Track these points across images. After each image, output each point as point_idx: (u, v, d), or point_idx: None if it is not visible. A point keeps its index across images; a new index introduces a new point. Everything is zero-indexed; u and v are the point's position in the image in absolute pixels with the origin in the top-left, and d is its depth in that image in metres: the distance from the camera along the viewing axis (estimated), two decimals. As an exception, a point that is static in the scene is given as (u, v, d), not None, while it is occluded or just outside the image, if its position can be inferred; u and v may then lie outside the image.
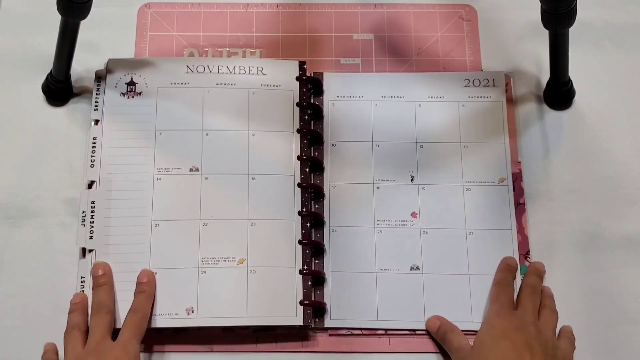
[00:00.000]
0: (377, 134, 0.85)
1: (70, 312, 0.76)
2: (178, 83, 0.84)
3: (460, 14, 0.92)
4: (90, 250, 0.78)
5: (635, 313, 0.80)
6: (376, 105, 0.86)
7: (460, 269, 0.80)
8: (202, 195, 0.80)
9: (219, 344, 0.78)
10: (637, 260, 0.82)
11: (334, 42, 0.90)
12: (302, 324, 0.76)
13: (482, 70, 0.89)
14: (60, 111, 0.86)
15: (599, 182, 0.85)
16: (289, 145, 0.82)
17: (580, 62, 0.88)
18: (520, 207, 0.83)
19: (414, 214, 0.82)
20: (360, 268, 0.80)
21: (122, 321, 0.74)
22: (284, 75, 0.85)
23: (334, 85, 0.87)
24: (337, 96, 0.87)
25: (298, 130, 0.83)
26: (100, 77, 0.85)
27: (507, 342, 0.71)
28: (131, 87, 0.84)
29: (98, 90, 0.85)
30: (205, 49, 0.89)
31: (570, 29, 0.78)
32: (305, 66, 0.86)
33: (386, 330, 0.78)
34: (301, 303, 0.77)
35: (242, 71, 0.85)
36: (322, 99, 0.87)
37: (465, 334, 0.76)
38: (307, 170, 0.82)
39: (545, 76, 0.87)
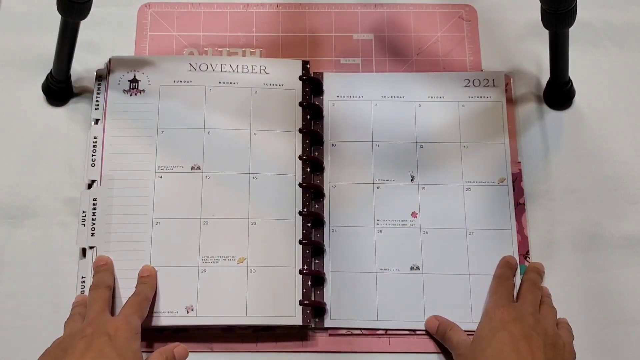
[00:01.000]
0: (377, 134, 0.85)
1: (73, 307, 0.76)
2: (181, 81, 0.84)
3: (460, 14, 0.92)
4: (91, 247, 0.78)
5: (635, 313, 0.80)
6: (376, 105, 0.86)
7: (460, 269, 0.80)
8: (203, 193, 0.80)
9: (219, 343, 0.78)
10: (637, 260, 0.82)
11: (334, 42, 0.91)
12: (301, 323, 0.76)
13: (482, 70, 0.89)
14: (60, 111, 0.86)
15: (599, 182, 0.85)
16: (290, 145, 0.82)
17: (580, 62, 0.88)
18: (520, 207, 0.83)
19: (414, 214, 0.82)
20: (360, 268, 0.80)
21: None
22: (286, 74, 0.85)
23: (334, 85, 0.87)
24: (337, 96, 0.87)
25: (300, 130, 0.83)
26: (100, 77, 0.85)
27: (504, 333, 0.71)
28: (134, 84, 0.84)
29: (99, 89, 0.85)
30: (205, 49, 0.90)
31: (570, 29, 0.78)
32: (308, 65, 0.86)
33: (386, 330, 0.78)
34: (301, 303, 0.77)
35: (245, 70, 0.85)
36: (322, 98, 0.87)
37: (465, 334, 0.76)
38: (308, 170, 0.82)
39: (545, 76, 0.87)
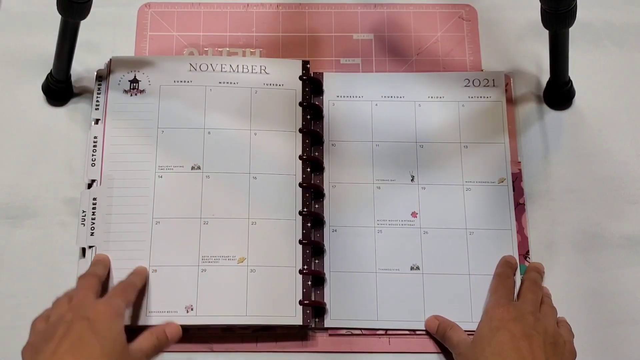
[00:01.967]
0: (377, 134, 0.85)
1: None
2: (181, 81, 0.85)
3: (460, 14, 0.92)
4: (91, 247, 0.78)
5: (635, 313, 0.80)
6: (376, 105, 0.86)
7: (460, 268, 0.80)
8: (203, 193, 0.80)
9: (219, 344, 0.78)
10: (637, 260, 0.82)
11: (334, 42, 0.91)
12: (301, 323, 0.76)
13: (482, 70, 0.89)
14: (60, 111, 0.86)
15: (599, 182, 0.85)
16: (290, 145, 0.82)
17: (580, 62, 0.88)
18: (520, 207, 0.83)
19: (414, 214, 0.82)
20: (360, 268, 0.80)
21: None
22: (287, 74, 0.85)
23: (333, 85, 0.87)
24: (337, 96, 0.87)
25: (300, 130, 0.83)
26: (101, 77, 0.85)
27: (504, 332, 0.71)
28: (134, 84, 0.84)
29: (99, 89, 0.85)
30: (205, 49, 0.90)
31: (570, 29, 0.78)
32: (308, 65, 0.86)
33: (386, 330, 0.78)
34: (301, 303, 0.77)
35: (245, 70, 0.85)
36: (322, 98, 0.87)
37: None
38: (308, 170, 0.82)
39: (545, 76, 0.87)
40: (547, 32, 0.79)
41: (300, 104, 0.84)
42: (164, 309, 0.76)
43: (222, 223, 0.79)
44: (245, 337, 0.78)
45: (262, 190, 0.80)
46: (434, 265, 0.80)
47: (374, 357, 0.78)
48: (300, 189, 0.81)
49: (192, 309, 0.76)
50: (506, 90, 0.87)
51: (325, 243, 0.81)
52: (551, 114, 0.88)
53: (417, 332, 0.79)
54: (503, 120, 0.86)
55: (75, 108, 0.86)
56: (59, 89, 0.85)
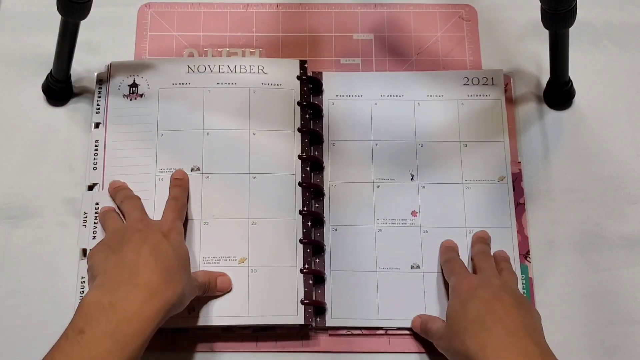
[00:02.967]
0: (376, 133, 0.85)
1: (101, 210, 0.79)
2: (179, 83, 0.85)
3: (460, 14, 0.92)
4: (92, 249, 0.79)
5: (635, 313, 0.79)
6: (375, 104, 0.86)
7: (460, 268, 0.80)
8: (203, 194, 0.80)
9: (219, 343, 0.78)
10: (637, 260, 0.82)
11: (334, 42, 0.91)
12: (303, 322, 0.76)
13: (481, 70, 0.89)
14: (60, 111, 0.86)
15: (599, 182, 0.85)
16: (289, 145, 0.82)
17: (580, 62, 0.88)
18: (520, 207, 0.83)
19: (414, 213, 0.82)
20: (361, 267, 0.80)
21: None
22: (285, 74, 0.85)
23: (333, 85, 0.87)
24: (337, 95, 0.87)
25: (299, 129, 0.83)
26: (101, 80, 0.86)
27: (475, 300, 0.70)
28: (133, 88, 0.84)
29: (99, 93, 0.85)
30: (205, 49, 0.90)
31: (570, 29, 0.78)
32: (306, 65, 0.86)
33: (386, 329, 0.78)
34: (302, 302, 0.77)
35: (243, 70, 0.85)
36: (322, 98, 0.87)
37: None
38: (307, 169, 0.82)
39: (545, 76, 0.87)
40: (547, 32, 0.79)
41: (299, 103, 0.84)
42: (165, 309, 0.76)
43: (222, 224, 0.79)
44: (245, 337, 0.78)
45: (262, 190, 0.80)
46: (434, 264, 0.80)
47: (374, 357, 0.78)
48: (300, 188, 0.81)
49: (194, 310, 0.76)
50: (506, 90, 0.87)
51: (326, 242, 0.81)
52: (551, 114, 0.88)
53: (417, 332, 0.79)
54: (502, 118, 0.86)
55: (75, 108, 0.86)
56: (59, 89, 0.85)
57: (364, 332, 0.78)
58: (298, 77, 0.85)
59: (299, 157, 0.82)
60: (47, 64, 0.84)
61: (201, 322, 0.76)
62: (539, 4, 0.75)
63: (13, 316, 0.78)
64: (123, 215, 0.78)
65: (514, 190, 0.83)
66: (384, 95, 0.87)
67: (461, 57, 0.90)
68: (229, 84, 0.85)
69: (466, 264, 0.79)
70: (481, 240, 0.80)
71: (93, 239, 0.79)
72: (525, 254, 0.81)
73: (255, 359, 0.77)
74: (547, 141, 0.86)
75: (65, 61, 0.82)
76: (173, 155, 0.82)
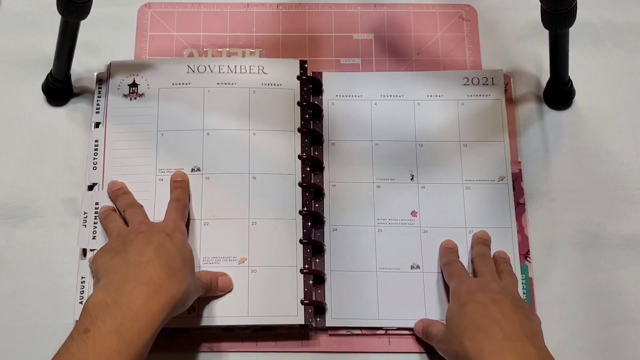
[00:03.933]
0: (376, 133, 0.85)
1: (102, 211, 0.79)
2: (179, 83, 0.84)
3: (460, 14, 0.92)
4: (92, 250, 0.78)
5: (635, 313, 0.80)
6: (375, 104, 0.86)
7: (460, 268, 0.80)
8: (203, 195, 0.80)
9: (219, 343, 0.78)
10: (637, 260, 0.82)
11: (334, 42, 0.91)
12: (303, 322, 0.76)
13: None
14: (60, 111, 0.86)
15: (599, 182, 0.85)
16: (289, 145, 0.82)
17: (580, 62, 0.88)
18: (520, 207, 0.83)
19: (414, 213, 0.82)
20: (361, 267, 0.80)
21: None
22: (285, 74, 0.85)
23: (333, 85, 0.87)
24: (337, 95, 0.87)
25: (299, 130, 0.83)
26: (101, 80, 0.86)
27: (473, 304, 0.71)
28: (133, 88, 0.84)
29: (99, 92, 0.85)
30: (205, 49, 0.90)
31: (570, 29, 0.78)
32: (306, 65, 0.86)
33: (386, 329, 0.78)
34: (302, 302, 0.77)
35: (243, 70, 0.85)
36: (322, 98, 0.87)
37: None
38: (307, 169, 0.82)
39: (545, 76, 0.87)
40: (547, 32, 0.79)
41: (299, 103, 0.84)
42: (166, 310, 0.76)
43: (222, 224, 0.79)
44: (245, 337, 0.78)
45: (262, 190, 0.80)
46: (434, 264, 0.80)
47: (374, 357, 0.78)
48: (300, 188, 0.81)
49: (194, 310, 0.76)
50: (506, 90, 0.87)
51: (326, 242, 0.81)
52: (551, 114, 0.88)
53: (417, 332, 0.79)
54: (502, 118, 0.86)
55: (75, 108, 0.86)
56: (59, 89, 0.85)
57: (364, 332, 0.78)
58: (298, 77, 0.85)
59: (299, 157, 0.82)
60: (47, 64, 0.84)
61: (201, 322, 0.76)
62: (539, 4, 0.75)
63: (13, 316, 0.78)
64: (125, 222, 0.78)
65: (514, 190, 0.83)
66: (384, 96, 0.87)
67: (461, 57, 0.90)
68: (229, 84, 0.85)
69: (466, 264, 0.79)
70: (481, 242, 0.80)
71: (93, 239, 0.79)
72: (525, 254, 0.81)
73: (255, 359, 0.77)
74: (547, 141, 0.86)
75: (65, 61, 0.82)
76: (173, 156, 0.82)
